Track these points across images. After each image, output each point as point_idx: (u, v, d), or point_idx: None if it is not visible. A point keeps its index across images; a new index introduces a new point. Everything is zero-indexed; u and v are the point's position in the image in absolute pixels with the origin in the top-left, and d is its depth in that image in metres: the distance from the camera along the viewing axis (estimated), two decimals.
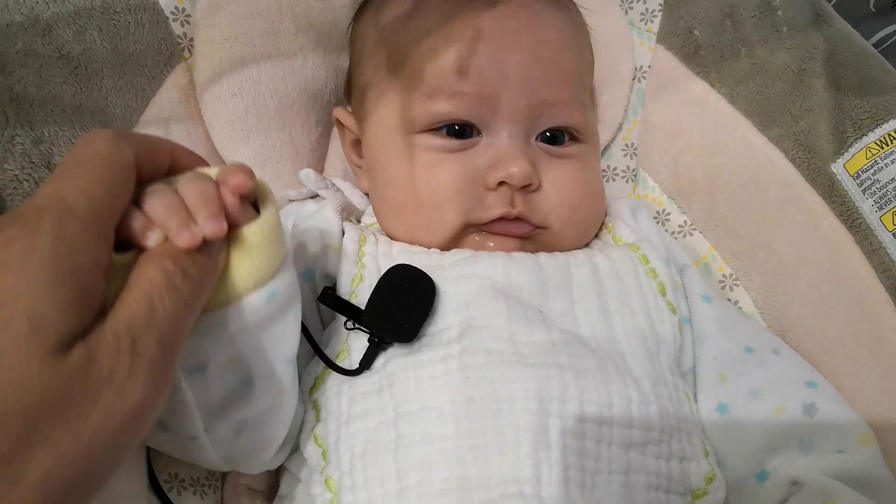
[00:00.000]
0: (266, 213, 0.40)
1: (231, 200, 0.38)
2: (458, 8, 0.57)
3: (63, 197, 0.31)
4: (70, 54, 0.52)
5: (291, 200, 0.64)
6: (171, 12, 0.60)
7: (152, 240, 0.35)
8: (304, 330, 0.49)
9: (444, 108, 0.56)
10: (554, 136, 0.58)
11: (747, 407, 0.53)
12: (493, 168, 0.55)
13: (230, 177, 0.38)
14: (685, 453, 0.49)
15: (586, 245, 0.61)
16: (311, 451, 0.50)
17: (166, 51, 0.60)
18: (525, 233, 0.57)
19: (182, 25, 0.62)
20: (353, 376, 0.49)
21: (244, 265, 0.39)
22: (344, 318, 0.51)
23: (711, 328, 0.57)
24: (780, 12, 0.63)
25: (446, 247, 0.56)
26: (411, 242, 0.57)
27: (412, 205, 0.57)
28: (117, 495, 0.42)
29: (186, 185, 0.37)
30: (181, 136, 0.60)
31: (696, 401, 0.55)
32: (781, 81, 0.62)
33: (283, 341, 0.44)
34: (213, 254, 0.37)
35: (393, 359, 0.49)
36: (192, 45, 0.62)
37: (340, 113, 0.66)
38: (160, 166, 0.38)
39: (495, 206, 0.55)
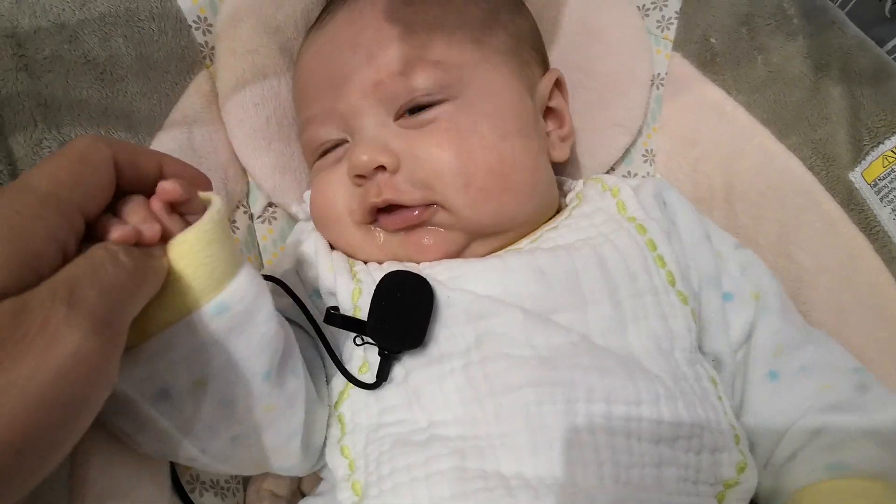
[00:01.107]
0: (198, 223, 0.38)
1: (157, 206, 0.38)
2: (305, 41, 0.63)
3: (27, 179, 0.34)
4: (96, 60, 0.53)
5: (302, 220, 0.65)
6: (194, 21, 0.61)
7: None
8: (326, 344, 0.50)
9: (307, 135, 0.60)
10: (418, 108, 0.55)
11: (796, 378, 0.53)
12: (349, 166, 0.54)
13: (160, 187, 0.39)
14: (717, 444, 0.49)
15: (555, 214, 0.60)
16: (337, 463, 0.49)
17: (189, 58, 0.61)
18: (417, 219, 0.54)
19: (204, 34, 0.63)
20: (373, 389, 0.49)
21: (184, 278, 0.37)
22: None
23: (776, 303, 0.56)
24: (795, 20, 0.63)
25: (376, 257, 0.56)
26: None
27: (322, 228, 0.59)
28: (140, 495, 0.42)
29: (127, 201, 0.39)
30: (204, 140, 0.61)
31: (748, 369, 0.54)
32: (798, 89, 0.62)
33: (251, 358, 0.42)
34: (152, 253, 0.37)
35: (413, 371, 0.49)
36: (213, 54, 0.63)
37: None
38: (144, 170, 0.39)
39: (365, 198, 0.54)
